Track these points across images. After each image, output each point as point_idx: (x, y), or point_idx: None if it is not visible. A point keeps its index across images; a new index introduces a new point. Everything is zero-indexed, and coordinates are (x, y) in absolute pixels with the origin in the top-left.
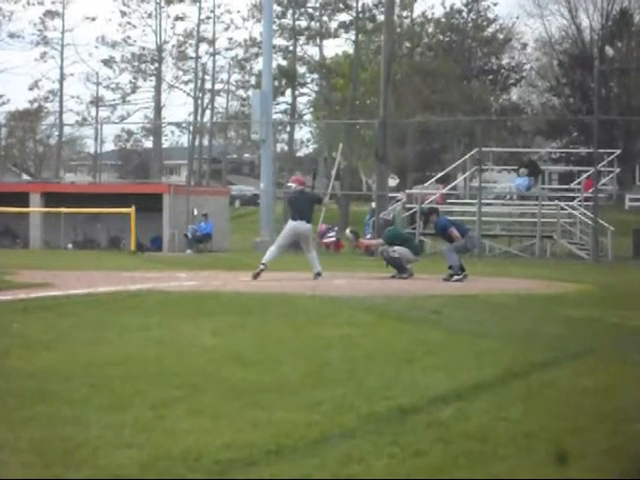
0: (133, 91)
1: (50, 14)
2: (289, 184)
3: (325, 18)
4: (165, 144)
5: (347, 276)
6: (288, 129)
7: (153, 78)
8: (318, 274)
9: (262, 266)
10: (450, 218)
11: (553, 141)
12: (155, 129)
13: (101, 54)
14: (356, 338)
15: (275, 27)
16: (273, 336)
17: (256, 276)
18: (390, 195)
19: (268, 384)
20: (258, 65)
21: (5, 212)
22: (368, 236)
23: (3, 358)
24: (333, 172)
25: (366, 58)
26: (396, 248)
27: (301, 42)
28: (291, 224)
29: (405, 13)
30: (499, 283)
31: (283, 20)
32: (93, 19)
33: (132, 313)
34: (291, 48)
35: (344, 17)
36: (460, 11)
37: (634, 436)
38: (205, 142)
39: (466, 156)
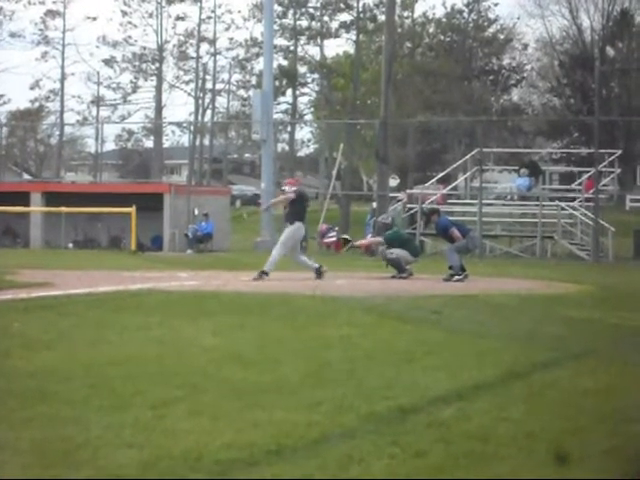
0: (134, 91)
1: (51, 13)
2: (283, 187)
3: (326, 18)
4: (166, 144)
5: (347, 276)
6: (289, 129)
7: (154, 78)
8: (320, 268)
9: (265, 275)
10: (451, 218)
11: (554, 141)
12: (156, 129)
13: (102, 54)
14: (356, 338)
15: (276, 27)
16: (273, 336)
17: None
18: (391, 195)
19: (268, 384)
20: (259, 65)
21: (6, 212)
22: (369, 236)
23: (4, 358)
24: (334, 172)
25: (367, 58)
26: (393, 250)
27: (302, 42)
28: (297, 225)
29: (406, 13)
30: (500, 283)
31: (284, 20)
32: (94, 19)
33: (133, 313)
34: (292, 48)
35: (345, 17)
36: (461, 11)
37: (635, 437)
38: (206, 142)
39: (467, 156)
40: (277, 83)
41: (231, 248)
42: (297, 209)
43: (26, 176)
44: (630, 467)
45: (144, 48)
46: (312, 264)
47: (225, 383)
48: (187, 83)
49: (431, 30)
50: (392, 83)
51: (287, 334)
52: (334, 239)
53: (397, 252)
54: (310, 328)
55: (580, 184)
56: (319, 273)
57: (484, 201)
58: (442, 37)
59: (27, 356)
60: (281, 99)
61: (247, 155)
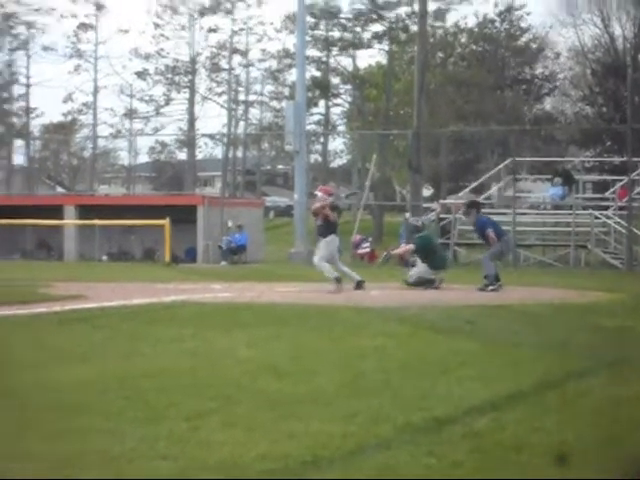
0: (167, 103)
1: (84, 27)
2: (316, 193)
3: (358, 29)
4: (199, 156)
5: (381, 287)
6: (322, 140)
7: (187, 90)
8: (362, 281)
9: (338, 282)
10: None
11: (587, 150)
12: (189, 141)
13: (134, 66)
14: (391, 349)
15: (308, 38)
16: (308, 347)
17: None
18: (424, 205)
19: (303, 395)
20: (291, 76)
21: (40, 225)
22: (402, 245)
23: (38, 370)
24: (367, 183)
25: (399, 68)
26: (412, 273)
27: (334, 53)
28: (331, 237)
29: (438, 23)
30: (533, 293)
31: (316, 31)
32: (126, 31)
33: (166, 325)
34: (324, 59)
35: (377, 28)
36: (493, 21)
37: None
38: (239, 154)
39: (500, 166)
40: (310, 94)
41: (265, 259)
42: (329, 222)
43: (59, 189)
44: None
45: (177, 60)
46: (355, 275)
47: (260, 394)
48: (220, 95)
49: (463, 40)
50: (424, 93)
51: (322, 345)
52: (368, 250)
53: (415, 272)
54: (345, 339)
55: (613, 192)
56: (359, 285)
57: (517, 210)
58: (474, 47)
59: (61, 369)
60: (314, 110)
61: (280, 166)
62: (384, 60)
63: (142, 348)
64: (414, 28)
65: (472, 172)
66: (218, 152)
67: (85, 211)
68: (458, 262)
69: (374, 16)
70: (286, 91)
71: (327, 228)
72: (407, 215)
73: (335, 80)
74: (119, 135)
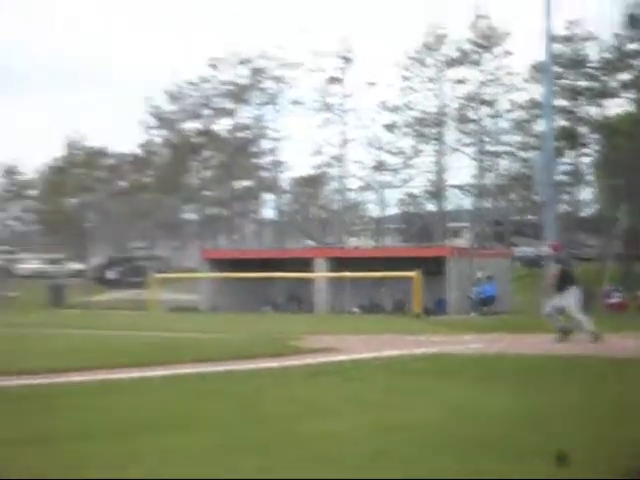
0: (415, 155)
1: (332, 80)
2: (543, 247)
3: (605, 77)
4: (448, 207)
5: (636, 336)
6: (570, 190)
7: (435, 141)
8: (596, 335)
9: (596, 336)
10: None
11: None
12: (438, 192)
13: (382, 119)
14: None
15: (555, 88)
16: (566, 399)
17: (597, 338)
18: None
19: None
20: (539, 126)
21: (290, 278)
22: None
23: (293, 423)
24: (617, 232)
25: None
26: None
27: (582, 102)
28: (572, 290)
29: None
30: None
31: (563, 80)
32: (373, 84)
33: (418, 377)
34: (572, 108)
35: (625, 76)
36: None
37: None
38: (488, 204)
39: None
40: (557, 144)
41: (513, 310)
42: (564, 277)
43: (309, 242)
44: None
45: (424, 112)
46: (561, 325)
47: (508, 445)
48: (468, 146)
49: None
50: None
51: (578, 396)
52: (618, 300)
53: None
54: (600, 390)
55: None
56: (563, 338)
57: None
58: None
59: (313, 421)
60: (562, 160)
61: (529, 217)
62: (633, 108)
63: (393, 400)
64: None
65: None
66: (467, 203)
67: (335, 263)
68: None
69: (622, 64)
70: (533, 141)
71: (563, 283)
72: None
73: (583, 129)
74: (368, 187)
